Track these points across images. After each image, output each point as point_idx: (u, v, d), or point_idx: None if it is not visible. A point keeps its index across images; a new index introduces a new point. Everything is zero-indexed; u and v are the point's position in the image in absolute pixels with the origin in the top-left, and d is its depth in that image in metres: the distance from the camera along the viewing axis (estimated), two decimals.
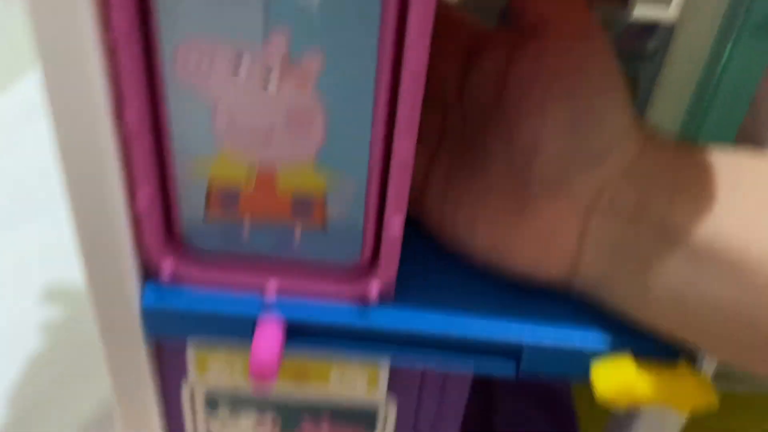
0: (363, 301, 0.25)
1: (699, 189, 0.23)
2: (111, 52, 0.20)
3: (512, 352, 0.26)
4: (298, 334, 0.25)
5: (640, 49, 0.34)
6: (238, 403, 0.29)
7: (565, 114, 0.23)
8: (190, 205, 0.24)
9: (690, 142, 0.25)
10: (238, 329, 0.25)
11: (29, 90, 0.77)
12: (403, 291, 0.26)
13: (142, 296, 0.25)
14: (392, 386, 0.28)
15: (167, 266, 0.24)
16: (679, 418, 0.29)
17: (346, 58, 0.20)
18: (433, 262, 0.27)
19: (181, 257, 0.25)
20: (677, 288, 0.23)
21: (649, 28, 0.33)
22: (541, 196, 0.24)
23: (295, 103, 0.21)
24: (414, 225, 0.27)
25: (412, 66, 0.20)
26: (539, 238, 0.25)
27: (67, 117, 0.21)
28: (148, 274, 0.25)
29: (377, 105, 0.21)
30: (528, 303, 0.26)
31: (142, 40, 0.20)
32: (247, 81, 0.21)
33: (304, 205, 0.24)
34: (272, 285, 0.25)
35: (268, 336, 0.24)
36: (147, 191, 0.23)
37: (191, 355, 0.27)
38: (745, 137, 0.26)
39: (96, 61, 0.20)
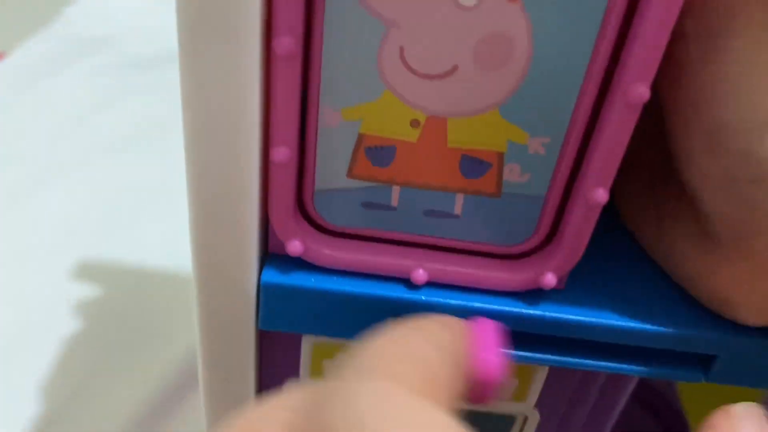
0: (533, 291, 0.20)
1: None
2: None
3: (702, 356, 0.21)
4: None
5: None
6: None
7: None
8: (331, 167, 0.19)
9: None
10: (376, 321, 0.20)
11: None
12: (573, 281, 0.21)
13: (261, 275, 0.20)
14: (541, 397, 0.23)
15: (295, 241, 0.20)
16: None
17: None
18: (606, 246, 0.23)
19: (311, 232, 0.20)
20: None
21: None
22: (721, 243, 0.19)
23: (492, 32, 0.17)
24: None
25: None
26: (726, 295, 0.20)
27: (204, 29, 0.16)
28: (270, 251, 0.20)
29: (603, 35, 0.16)
30: None
31: None
32: None
33: (475, 166, 0.19)
34: (422, 269, 0.20)
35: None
36: (285, 149, 0.18)
37: (306, 354, 0.22)
38: None
39: None
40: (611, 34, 0.16)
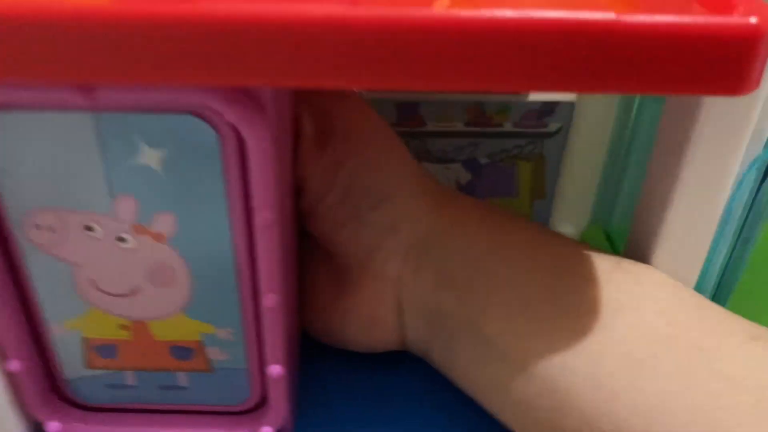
0: None
1: (503, 284, 0.23)
2: None
3: None
4: None
5: (543, 128, 0.34)
6: None
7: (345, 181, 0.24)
8: (69, 361, 0.23)
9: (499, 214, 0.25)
10: None
11: None
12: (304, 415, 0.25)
13: None
14: None
15: (53, 422, 0.24)
16: None
17: (197, 218, 0.20)
18: (337, 377, 0.27)
19: (67, 413, 0.24)
20: (470, 368, 0.23)
21: (550, 106, 0.33)
22: (352, 272, 0.25)
23: (155, 261, 0.21)
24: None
25: (261, 223, 0.19)
26: (363, 317, 0.25)
27: None
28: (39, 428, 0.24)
29: (239, 260, 0.21)
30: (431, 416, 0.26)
31: None
32: (102, 244, 0.20)
33: (182, 352, 0.23)
34: None
35: None
36: (17, 362, 0.22)
37: None
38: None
39: None
40: (246, 262, 0.21)
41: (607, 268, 0.22)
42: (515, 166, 0.35)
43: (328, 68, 0.15)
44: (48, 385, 0.24)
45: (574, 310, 0.21)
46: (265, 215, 0.19)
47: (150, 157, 0.19)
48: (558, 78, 0.15)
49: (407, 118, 0.33)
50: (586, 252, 0.23)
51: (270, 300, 0.21)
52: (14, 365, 0.22)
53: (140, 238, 0.20)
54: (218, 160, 0.19)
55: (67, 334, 0.23)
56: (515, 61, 0.15)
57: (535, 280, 0.22)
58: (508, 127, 0.34)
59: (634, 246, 0.25)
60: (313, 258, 0.27)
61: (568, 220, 0.37)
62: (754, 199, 0.26)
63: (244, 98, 0.17)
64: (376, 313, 0.25)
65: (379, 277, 0.25)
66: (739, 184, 0.25)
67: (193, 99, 0.17)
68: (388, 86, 0.15)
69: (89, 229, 0.20)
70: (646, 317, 0.21)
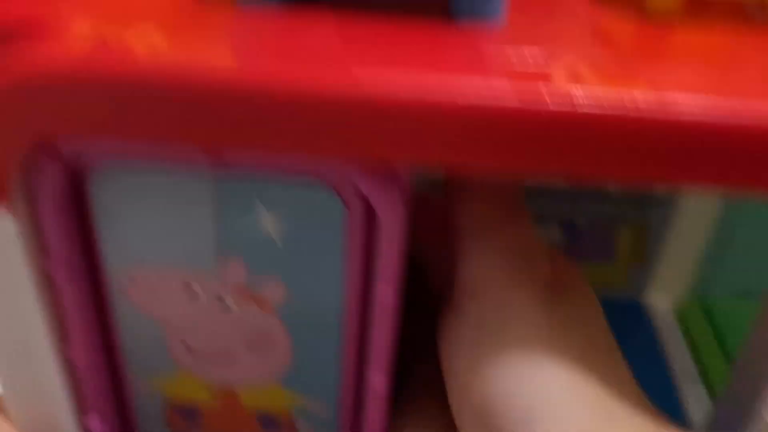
0: None
1: None
2: (51, 282, 0.18)
3: None
4: None
5: (650, 195, 0.32)
6: None
7: None
8: (149, 421, 0.22)
9: None
10: None
11: None
12: None
13: None
14: None
15: None
16: None
17: (308, 288, 0.18)
18: None
19: None
20: None
21: None
22: None
23: (255, 328, 0.19)
24: None
25: (382, 301, 0.18)
26: None
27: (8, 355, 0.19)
28: None
29: (346, 334, 0.19)
30: None
31: (87, 269, 0.18)
32: (201, 306, 0.19)
33: (271, 424, 0.21)
34: None
35: None
36: (96, 418, 0.20)
37: None
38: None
39: (33, 294, 0.18)
40: (353, 339, 0.19)
41: None
42: (614, 230, 0.33)
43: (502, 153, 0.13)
44: None
45: None
46: (386, 292, 0.17)
47: (267, 221, 0.17)
48: None
49: None
50: None
51: (378, 382, 0.19)
52: (94, 423, 0.21)
53: (244, 303, 0.19)
54: (340, 233, 0.17)
55: (150, 393, 0.21)
56: None
57: None
58: (612, 188, 0.32)
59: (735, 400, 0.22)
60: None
61: (666, 289, 0.35)
62: None
63: (382, 170, 0.16)
64: None
65: None
66: None
67: (327, 167, 0.16)
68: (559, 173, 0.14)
69: (189, 289, 0.19)
70: None
